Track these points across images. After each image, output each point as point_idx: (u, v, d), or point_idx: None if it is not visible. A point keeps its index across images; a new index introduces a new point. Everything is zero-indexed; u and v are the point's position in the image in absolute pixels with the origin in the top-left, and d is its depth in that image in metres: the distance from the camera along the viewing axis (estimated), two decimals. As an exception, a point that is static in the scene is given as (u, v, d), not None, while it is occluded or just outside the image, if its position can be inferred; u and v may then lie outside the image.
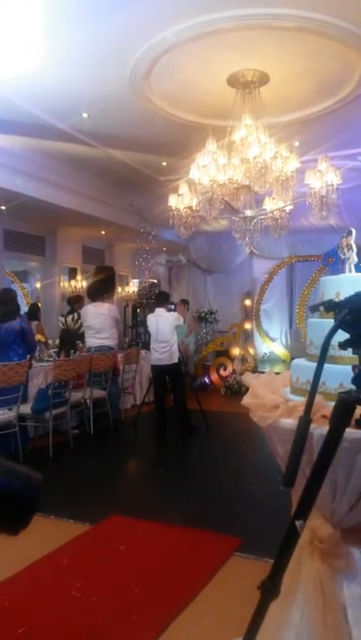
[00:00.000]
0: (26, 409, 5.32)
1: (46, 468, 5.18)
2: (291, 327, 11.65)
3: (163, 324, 6.43)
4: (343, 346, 1.27)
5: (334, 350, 1.75)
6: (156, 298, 7.02)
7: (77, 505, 4.07)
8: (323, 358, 1.21)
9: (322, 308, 1.34)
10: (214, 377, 9.82)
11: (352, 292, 1.28)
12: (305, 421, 1.24)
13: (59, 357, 6.53)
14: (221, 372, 9.79)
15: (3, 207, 7.28)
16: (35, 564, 3.10)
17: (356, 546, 1.78)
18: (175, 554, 3.27)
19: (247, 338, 10.91)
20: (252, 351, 10.50)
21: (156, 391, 6.65)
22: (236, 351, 10.03)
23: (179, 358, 6.56)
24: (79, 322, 6.95)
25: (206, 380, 9.86)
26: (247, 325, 11.10)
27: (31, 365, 5.68)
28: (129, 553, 3.28)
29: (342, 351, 1.53)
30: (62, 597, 2.76)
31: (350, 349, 1.28)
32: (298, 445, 1.23)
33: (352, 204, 7.95)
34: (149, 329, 6.58)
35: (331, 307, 1.26)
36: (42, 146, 6.41)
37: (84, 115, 5.46)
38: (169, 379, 6.58)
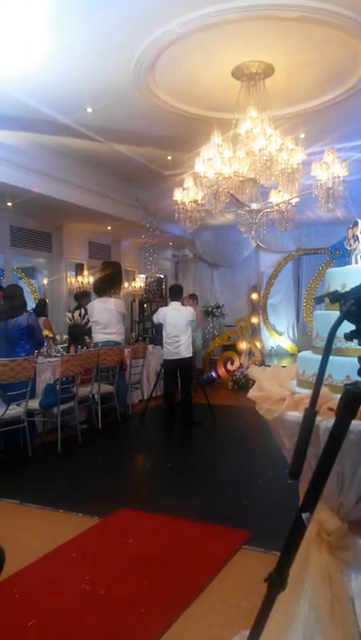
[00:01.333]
0: (34, 404, 5.35)
1: (54, 463, 5.21)
2: (298, 321, 11.62)
3: (178, 317, 6.39)
4: (349, 337, 1.26)
5: (341, 342, 1.74)
6: (170, 291, 6.98)
7: (86, 499, 4.09)
8: (328, 350, 1.20)
9: (327, 299, 1.33)
10: (221, 371, 9.82)
11: (358, 283, 1.27)
12: (311, 413, 1.23)
13: (68, 352, 6.55)
14: (229, 366, 9.78)
15: (9, 203, 7.29)
16: (44, 557, 3.13)
17: (364, 538, 1.78)
18: (183, 547, 3.28)
19: (254, 332, 10.89)
20: (259, 345, 10.48)
21: (167, 386, 6.64)
22: (243, 345, 10.02)
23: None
24: (86, 317, 6.96)
25: (213, 374, 9.86)
26: (254, 319, 11.07)
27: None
28: (137, 546, 3.30)
29: (349, 343, 1.52)
30: (71, 590, 2.78)
31: (356, 340, 1.27)
32: (303, 438, 1.23)
33: (359, 195, 7.89)
34: (162, 322, 6.49)
35: (336, 298, 1.25)
36: (47, 141, 6.40)
37: (89, 109, 5.45)
38: (180, 372, 6.56)
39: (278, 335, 11.58)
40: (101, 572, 2.95)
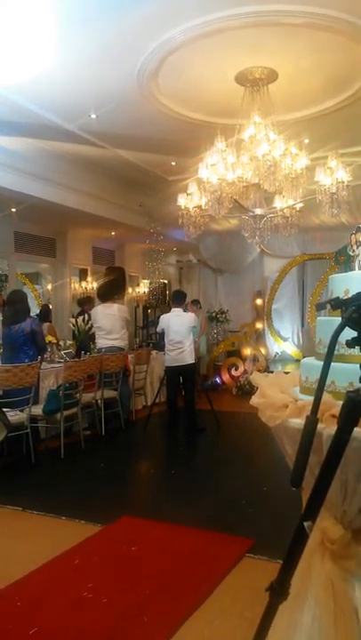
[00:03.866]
0: (37, 410, 5.34)
1: (57, 469, 5.19)
2: (302, 326, 11.58)
3: (180, 324, 6.38)
4: (351, 344, 1.24)
5: (344, 349, 1.72)
6: (173, 297, 6.96)
7: (89, 506, 4.07)
8: (330, 356, 1.19)
9: (329, 305, 1.32)
10: (226, 377, 9.78)
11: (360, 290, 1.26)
12: (312, 421, 1.22)
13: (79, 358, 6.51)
14: (233, 371, 9.74)
15: (13, 209, 7.32)
16: (46, 564, 3.10)
17: (368, 547, 1.75)
18: (186, 555, 3.25)
19: (259, 337, 10.86)
20: (263, 351, 10.44)
21: (170, 392, 6.62)
22: (247, 351, 9.99)
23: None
24: (89, 323, 6.95)
25: (218, 380, 9.83)
26: (258, 325, 11.04)
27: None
28: (140, 554, 3.27)
29: (352, 349, 1.51)
30: (74, 598, 2.76)
31: (358, 347, 1.26)
32: (305, 445, 1.21)
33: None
34: (165, 328, 6.50)
35: (338, 304, 1.24)
36: (51, 147, 6.43)
37: (92, 116, 5.47)
38: (183, 379, 6.54)
39: (283, 341, 11.54)
40: (104, 580, 2.93)
